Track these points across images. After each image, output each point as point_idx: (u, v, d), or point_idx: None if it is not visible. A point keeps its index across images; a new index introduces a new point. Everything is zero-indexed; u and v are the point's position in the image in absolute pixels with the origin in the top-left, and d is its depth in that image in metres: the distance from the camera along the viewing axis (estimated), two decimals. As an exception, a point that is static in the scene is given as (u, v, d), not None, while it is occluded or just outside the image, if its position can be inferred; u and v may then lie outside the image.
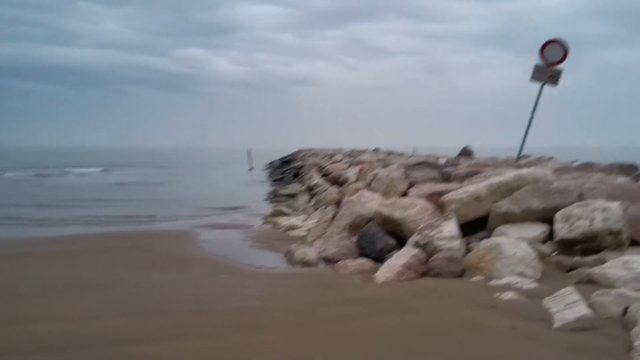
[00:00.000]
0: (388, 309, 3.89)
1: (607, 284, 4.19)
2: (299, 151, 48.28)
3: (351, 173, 13.38)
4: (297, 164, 29.62)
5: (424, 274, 5.14)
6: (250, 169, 37.15)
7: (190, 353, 2.99)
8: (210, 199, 16.30)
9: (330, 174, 16.11)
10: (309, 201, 13.79)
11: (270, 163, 43.33)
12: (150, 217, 11.95)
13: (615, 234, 5.22)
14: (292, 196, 16.26)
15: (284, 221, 10.23)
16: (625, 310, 3.31)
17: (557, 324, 3.27)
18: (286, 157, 44.58)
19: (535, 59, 9.60)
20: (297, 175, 23.86)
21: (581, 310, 3.30)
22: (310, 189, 15.56)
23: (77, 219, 11.59)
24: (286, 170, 28.16)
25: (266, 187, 21.65)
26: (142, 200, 16.59)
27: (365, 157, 18.09)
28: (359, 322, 3.56)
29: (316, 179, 16.92)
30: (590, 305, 3.44)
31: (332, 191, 11.95)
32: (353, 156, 20.92)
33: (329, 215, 8.35)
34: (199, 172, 36.20)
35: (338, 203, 9.49)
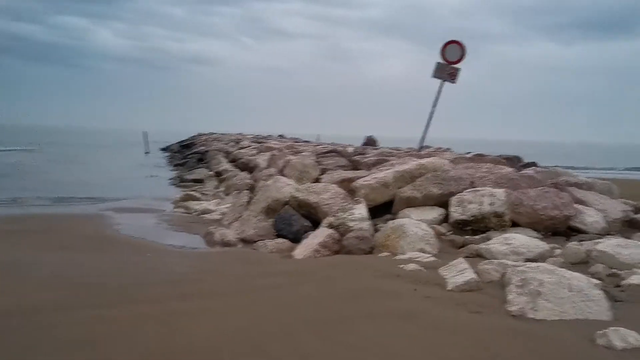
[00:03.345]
0: (308, 279, 4.38)
1: (491, 257, 4.98)
2: (199, 135, 47.65)
3: (261, 159, 13.78)
4: (200, 148, 29.39)
5: (337, 252, 5.70)
6: (147, 153, 36.07)
7: (142, 315, 3.29)
8: (112, 183, 15.96)
9: (239, 159, 16.41)
10: (219, 186, 14.01)
11: (168, 147, 42.39)
12: (56, 199, 11.60)
13: (499, 216, 6.11)
14: (199, 181, 16.34)
15: (196, 205, 10.42)
16: (502, 275, 4.06)
17: (449, 287, 3.95)
18: (185, 140, 43.88)
19: (435, 53, 10.59)
20: (201, 160, 23.78)
21: (469, 275, 4.01)
22: (218, 174, 15.75)
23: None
24: (189, 155, 27.87)
25: (167, 172, 21.40)
26: (39, 181, 15.85)
27: (272, 143, 18.51)
28: (284, 290, 4.03)
29: (224, 164, 17.12)
30: (476, 272, 4.16)
31: (244, 177, 12.30)
32: (259, 142, 21.26)
33: (244, 200, 8.72)
34: (92, 155, 34.62)
35: (251, 188, 9.89)
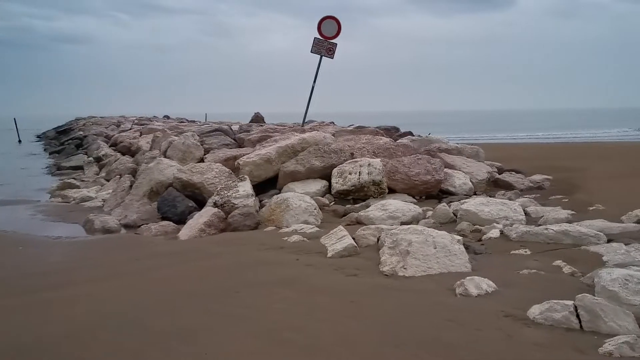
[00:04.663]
0: (191, 258, 4.38)
1: (370, 223, 5.26)
2: (77, 120, 45.02)
3: (144, 142, 13.30)
4: (78, 133, 27.72)
5: (223, 230, 5.72)
6: (20, 141, 33.24)
7: (11, 307, 3.13)
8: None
9: (120, 143, 15.71)
10: (99, 172, 13.38)
11: (43, 134, 39.56)
12: None
13: (377, 184, 6.44)
14: (79, 168, 15.51)
15: (74, 193, 9.90)
16: (378, 239, 4.32)
17: (329, 254, 4.14)
18: (62, 126, 41.27)
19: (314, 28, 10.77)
20: (80, 146, 22.51)
21: (347, 241, 4.22)
22: (99, 159, 15.01)
23: None
24: (66, 141, 26.21)
25: (43, 161, 20.03)
26: None
27: (156, 125, 17.89)
28: (166, 269, 4.01)
29: (105, 149, 16.32)
30: (354, 238, 4.39)
31: (125, 161, 11.83)
32: (142, 124, 20.45)
33: (126, 184, 8.41)
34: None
35: (134, 172, 9.55)
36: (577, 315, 2.55)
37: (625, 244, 3.88)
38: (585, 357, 2.25)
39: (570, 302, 2.62)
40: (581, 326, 2.53)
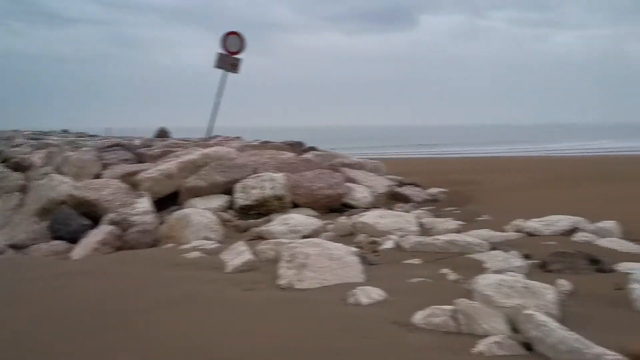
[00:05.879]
0: (86, 278, 4.19)
1: (271, 237, 5.29)
2: (-41, 135, 41.76)
3: (37, 157, 12.55)
4: (-36, 149, 25.67)
5: (120, 248, 5.52)
6: None
7: None
8: None
9: (11, 159, 14.73)
10: (-13, 191, 12.45)
11: None
12: None
13: (280, 198, 6.51)
14: (-38, 187, 14.35)
15: (-46, 214, 9.15)
16: (277, 253, 4.36)
17: (228, 269, 4.13)
18: (-60, 143, 38.05)
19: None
20: (-35, 162, 20.85)
21: (246, 256, 4.23)
22: (-14, 177, 13.97)
23: None
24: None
25: None
26: None
27: (52, 140, 16.93)
28: (58, 291, 3.80)
29: (-7, 165, 15.23)
30: (254, 253, 4.40)
31: (15, 177, 11.09)
32: (37, 139, 19.28)
33: (13, 203, 7.91)
34: None
35: (23, 189, 8.98)
36: (456, 319, 2.72)
37: (505, 251, 4.19)
38: (458, 357, 2.41)
39: (449, 307, 2.79)
40: (459, 329, 2.70)
